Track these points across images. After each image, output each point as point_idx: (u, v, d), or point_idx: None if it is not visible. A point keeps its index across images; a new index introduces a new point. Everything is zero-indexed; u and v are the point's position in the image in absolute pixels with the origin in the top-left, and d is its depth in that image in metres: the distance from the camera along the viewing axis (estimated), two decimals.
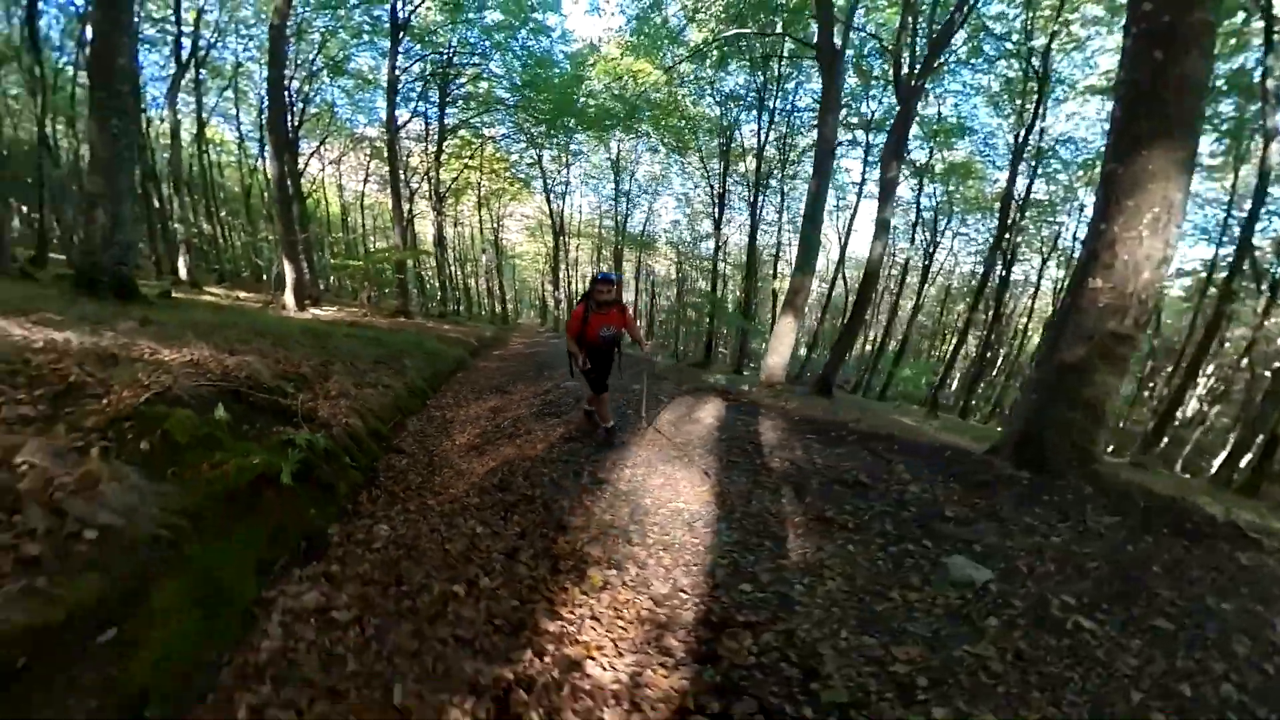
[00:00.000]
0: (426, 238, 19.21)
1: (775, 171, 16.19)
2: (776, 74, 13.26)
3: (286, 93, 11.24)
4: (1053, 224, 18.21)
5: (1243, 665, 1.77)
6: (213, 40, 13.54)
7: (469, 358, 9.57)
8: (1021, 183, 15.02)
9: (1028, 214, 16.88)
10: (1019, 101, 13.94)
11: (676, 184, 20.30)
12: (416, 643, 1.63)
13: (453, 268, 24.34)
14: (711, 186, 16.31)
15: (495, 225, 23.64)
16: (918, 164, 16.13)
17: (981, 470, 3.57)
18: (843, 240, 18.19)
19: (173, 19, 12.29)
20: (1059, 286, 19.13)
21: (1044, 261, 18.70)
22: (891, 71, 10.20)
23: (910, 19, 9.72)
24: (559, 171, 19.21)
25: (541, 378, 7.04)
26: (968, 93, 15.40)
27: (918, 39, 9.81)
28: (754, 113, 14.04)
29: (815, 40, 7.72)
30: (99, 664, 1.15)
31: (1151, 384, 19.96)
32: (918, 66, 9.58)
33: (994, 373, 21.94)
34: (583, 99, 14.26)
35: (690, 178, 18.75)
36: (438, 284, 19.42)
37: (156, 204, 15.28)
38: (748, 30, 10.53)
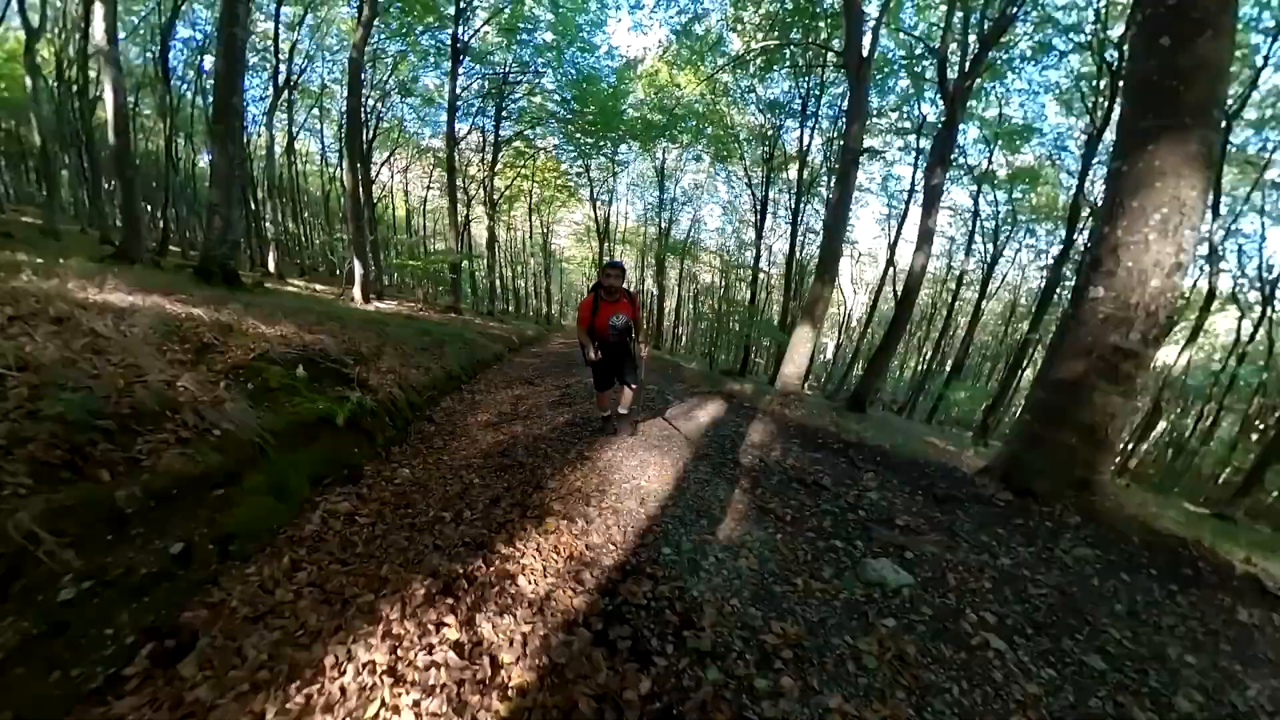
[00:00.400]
0: (481, 241, 20.84)
1: (821, 178, 16.25)
2: (820, 80, 13.44)
3: (362, 110, 12.87)
4: None
5: None
6: (303, 66, 15.71)
7: (507, 353, 10.51)
8: (1100, 188, 14.15)
9: None
10: (1093, 99, 13.10)
11: (723, 191, 20.76)
12: (407, 543, 2.31)
13: (504, 269, 26.06)
14: (754, 195, 16.62)
15: (545, 231, 25.14)
16: (975, 170, 15.62)
17: (959, 488, 3.53)
18: (890, 246, 17.77)
19: (272, 49, 14.44)
20: None
21: None
22: (936, 73, 10.09)
23: (960, 16, 9.35)
24: (605, 180, 20.29)
25: (569, 374, 7.78)
26: (1034, 91, 14.71)
27: (969, 36, 9.49)
28: (797, 120, 14.27)
29: (843, 48, 7.96)
30: (209, 509, 1.91)
31: (1260, 425, 17.83)
32: (967, 67, 9.42)
33: None
34: (627, 110, 15.18)
35: (734, 186, 19.14)
36: (488, 284, 20.98)
37: (252, 206, 17.81)
38: (774, 42, 10.88)
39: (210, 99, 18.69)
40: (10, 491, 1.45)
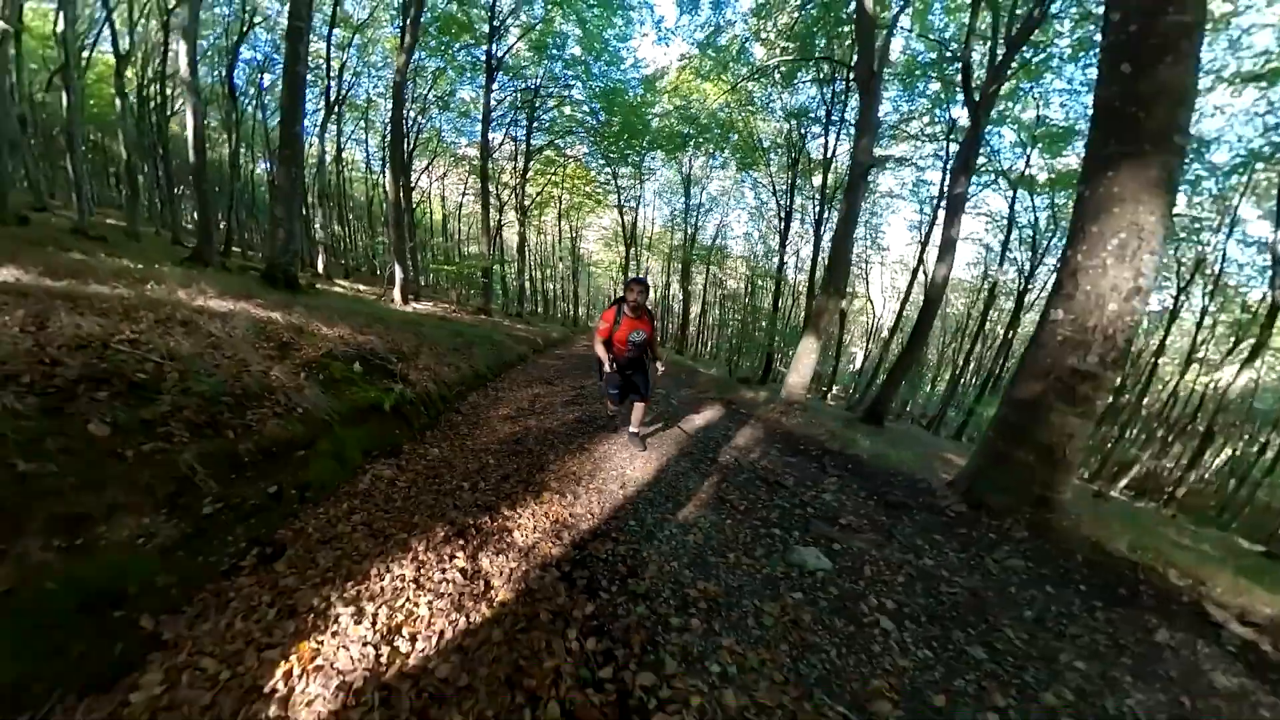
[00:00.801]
0: (513, 245, 22.02)
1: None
2: (846, 86, 13.71)
3: (404, 123, 14.09)
4: (1195, 243, 16.26)
5: (1033, 711, 1.81)
6: (350, 83, 17.24)
7: (531, 354, 11.32)
8: None
9: None
10: None
11: (749, 197, 21.15)
12: (433, 501, 3.02)
13: (533, 272, 27.25)
14: (778, 202, 16.97)
15: (574, 235, 26.18)
16: (1011, 174, 15.45)
17: (914, 498, 3.79)
18: (919, 253, 17.70)
19: (323, 69, 15.97)
20: (1201, 319, 16.94)
21: (1182, 289, 16.62)
22: (960, 79, 10.10)
23: (989, 18, 9.37)
24: (633, 187, 21.09)
25: (585, 376, 8.48)
26: (1076, 90, 14.37)
27: (998, 40, 9.41)
28: (822, 126, 14.58)
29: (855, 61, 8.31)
30: (294, 465, 2.67)
31: None
32: (994, 72, 9.40)
33: (1119, 420, 19.50)
34: (654, 119, 15.91)
35: (760, 194, 19.52)
36: (518, 287, 22.13)
37: (304, 212, 19.57)
38: (790, 58, 11.28)
39: (268, 112, 20.61)
40: (178, 439, 2.22)
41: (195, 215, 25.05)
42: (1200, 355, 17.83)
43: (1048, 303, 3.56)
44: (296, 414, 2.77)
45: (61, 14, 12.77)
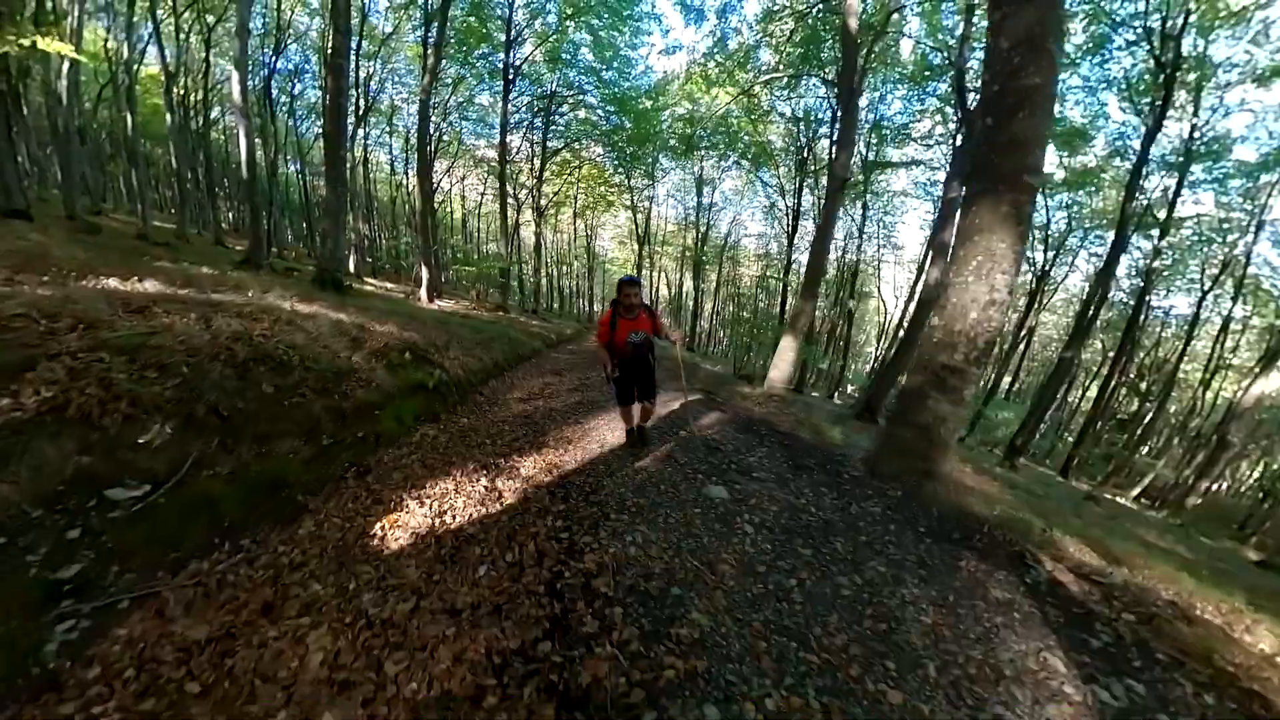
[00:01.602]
0: (530, 244, 23.69)
1: (856, 184, 17.39)
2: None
3: (428, 134, 15.77)
4: (1218, 243, 16.64)
5: (825, 585, 2.68)
6: (376, 90, 19.10)
7: (545, 349, 12.84)
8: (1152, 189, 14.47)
9: (1176, 232, 15.82)
10: (1151, 95, 13.18)
11: (762, 196, 22.24)
12: (465, 450, 4.47)
13: (550, 269, 28.88)
14: (787, 203, 18.04)
15: (589, 234, 27.72)
16: None
17: (823, 465, 4.80)
18: (926, 249, 18.51)
19: (350, 81, 17.88)
20: (1226, 324, 17.29)
21: (1206, 292, 16.94)
22: (954, 87, 10.87)
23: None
24: (646, 188, 22.46)
25: (592, 368, 9.89)
26: (1092, 87, 14.90)
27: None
28: (829, 129, 15.62)
29: (837, 76, 9.42)
30: (371, 421, 4.17)
31: None
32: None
33: (1139, 429, 19.79)
34: (664, 124, 17.25)
35: (768, 194, 20.58)
36: (534, 284, 23.76)
37: None
38: (777, 73, 12.38)
39: (299, 118, 22.68)
40: (309, 398, 3.71)
41: (232, 217, 27.54)
42: (1228, 362, 18.11)
43: (931, 312, 4.45)
44: (373, 387, 4.25)
45: (125, 42, 14.91)
